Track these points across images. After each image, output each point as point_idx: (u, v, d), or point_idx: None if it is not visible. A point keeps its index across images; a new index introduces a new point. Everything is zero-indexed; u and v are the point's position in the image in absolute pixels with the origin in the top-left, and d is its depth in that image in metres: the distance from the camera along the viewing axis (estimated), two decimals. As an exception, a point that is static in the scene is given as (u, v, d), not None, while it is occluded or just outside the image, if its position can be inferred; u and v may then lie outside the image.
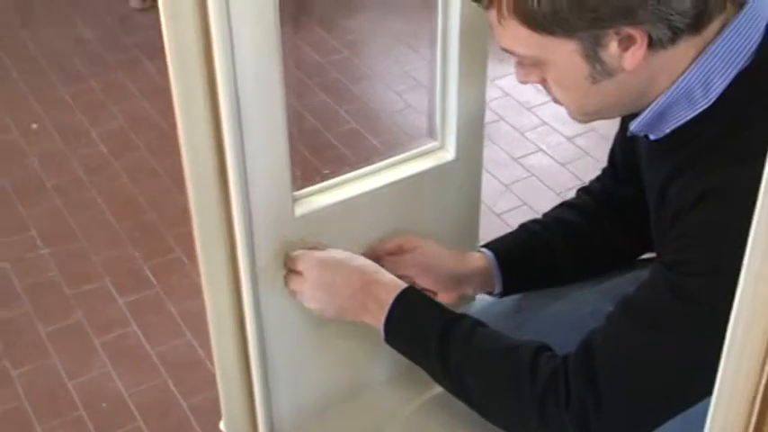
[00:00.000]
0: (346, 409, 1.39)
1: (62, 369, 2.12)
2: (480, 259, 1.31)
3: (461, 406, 1.19)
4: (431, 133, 1.35)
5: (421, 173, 1.31)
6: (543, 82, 1.07)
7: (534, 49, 1.02)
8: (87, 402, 2.05)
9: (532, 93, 2.96)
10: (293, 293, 1.24)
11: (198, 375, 2.10)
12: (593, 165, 2.62)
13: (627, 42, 0.97)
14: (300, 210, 1.23)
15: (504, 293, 1.32)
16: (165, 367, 2.13)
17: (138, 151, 2.78)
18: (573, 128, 2.81)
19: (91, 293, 2.32)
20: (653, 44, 0.97)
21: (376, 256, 1.27)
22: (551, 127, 2.83)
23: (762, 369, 0.57)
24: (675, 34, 0.97)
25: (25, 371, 2.12)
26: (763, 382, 0.58)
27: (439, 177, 1.33)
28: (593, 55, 0.99)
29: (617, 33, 0.97)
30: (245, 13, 1.03)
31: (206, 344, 2.13)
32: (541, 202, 2.49)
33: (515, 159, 2.71)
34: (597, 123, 2.87)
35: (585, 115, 1.10)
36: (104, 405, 2.05)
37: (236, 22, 1.02)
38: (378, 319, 1.19)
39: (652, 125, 1.06)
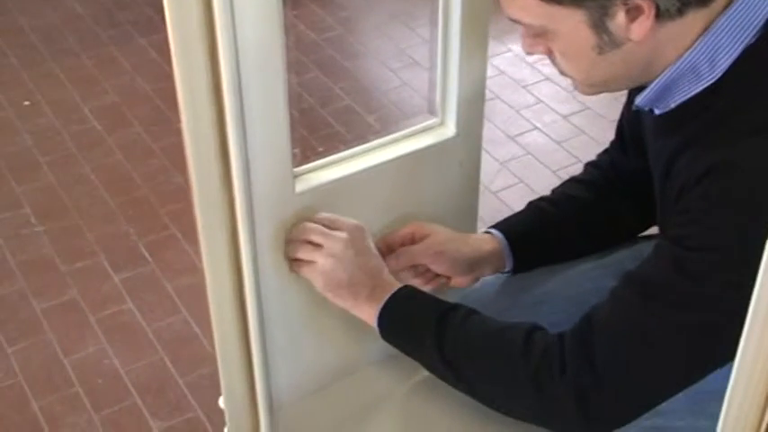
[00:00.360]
0: (345, 386, 1.39)
1: (57, 346, 2.12)
2: (492, 241, 1.30)
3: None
4: (431, 109, 1.35)
5: (421, 149, 1.31)
6: (549, 53, 1.06)
7: (542, 19, 1.01)
8: (83, 379, 2.05)
9: (528, 71, 2.95)
10: (311, 248, 1.19)
11: (194, 352, 2.10)
12: (588, 143, 2.62)
13: (634, 13, 0.97)
14: (301, 186, 1.22)
15: (515, 272, 1.32)
16: (161, 344, 2.13)
17: (131, 127, 2.77)
18: (568, 106, 2.81)
19: (85, 270, 2.31)
20: (660, 15, 0.97)
21: (389, 246, 1.27)
22: (547, 105, 2.83)
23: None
24: (683, 5, 0.97)
25: (20, 348, 2.12)
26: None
27: (439, 153, 1.32)
28: (600, 25, 0.99)
29: (624, 3, 0.96)
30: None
31: (202, 320, 2.14)
32: (537, 180, 2.49)
33: (511, 137, 2.71)
34: (593, 102, 2.87)
35: (591, 87, 1.09)
36: (100, 381, 2.05)
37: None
38: (372, 314, 1.19)
39: (658, 99, 1.06)
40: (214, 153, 1.09)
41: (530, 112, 2.81)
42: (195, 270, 2.25)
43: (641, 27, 0.98)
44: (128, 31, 3.17)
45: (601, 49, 1.01)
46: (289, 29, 3.04)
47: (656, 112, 1.08)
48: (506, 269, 1.32)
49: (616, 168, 1.33)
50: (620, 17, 0.97)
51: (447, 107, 1.32)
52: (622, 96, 1.27)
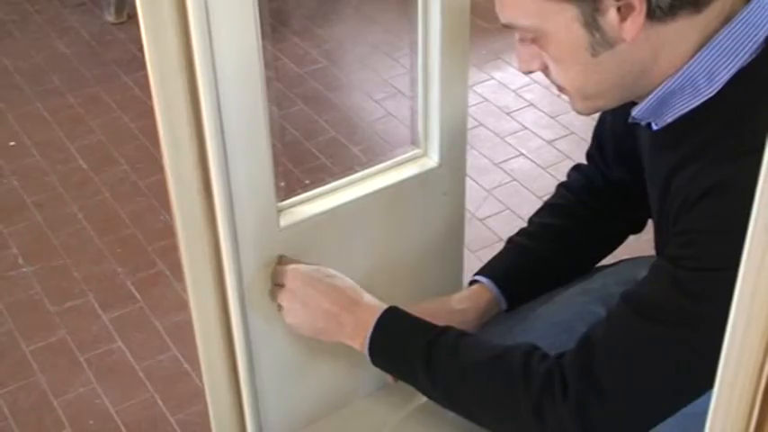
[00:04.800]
0: (336, 420, 1.39)
1: (47, 387, 2.11)
2: (485, 293, 1.31)
3: (449, 413, 1.19)
4: (414, 140, 1.36)
5: (405, 180, 1.31)
6: (545, 69, 1.06)
7: (534, 17, 1.01)
8: (74, 420, 2.03)
9: (512, 98, 2.97)
10: (278, 306, 1.24)
11: (185, 389, 2.09)
12: (573, 167, 2.62)
13: (626, 11, 0.97)
14: (285, 221, 1.23)
15: (509, 310, 1.33)
16: (152, 382, 2.11)
17: (117, 165, 2.76)
18: (553, 131, 2.82)
19: (74, 310, 2.30)
20: (652, 12, 0.97)
21: None
22: (531, 131, 2.84)
23: (762, 367, 0.57)
24: (674, 5, 0.97)
25: (10, 390, 2.10)
26: (764, 380, 0.58)
27: (423, 184, 1.33)
28: (592, 22, 0.98)
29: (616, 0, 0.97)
30: (226, 27, 1.03)
31: (192, 357, 2.13)
32: (524, 207, 2.49)
33: (496, 164, 2.72)
34: (577, 126, 2.87)
35: (587, 100, 1.08)
36: (91, 422, 2.03)
37: (216, 35, 1.02)
38: (360, 343, 1.18)
39: (654, 112, 1.05)
40: (197, 190, 1.09)
41: (514, 138, 2.82)
42: (184, 307, 2.24)
43: (633, 25, 0.97)
44: (112, 70, 3.18)
45: (594, 50, 1.00)
46: (272, 63, 3.06)
47: (654, 127, 1.08)
48: (501, 309, 1.33)
49: (589, 182, 1.34)
50: (612, 14, 0.97)
51: (429, 137, 1.32)
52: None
